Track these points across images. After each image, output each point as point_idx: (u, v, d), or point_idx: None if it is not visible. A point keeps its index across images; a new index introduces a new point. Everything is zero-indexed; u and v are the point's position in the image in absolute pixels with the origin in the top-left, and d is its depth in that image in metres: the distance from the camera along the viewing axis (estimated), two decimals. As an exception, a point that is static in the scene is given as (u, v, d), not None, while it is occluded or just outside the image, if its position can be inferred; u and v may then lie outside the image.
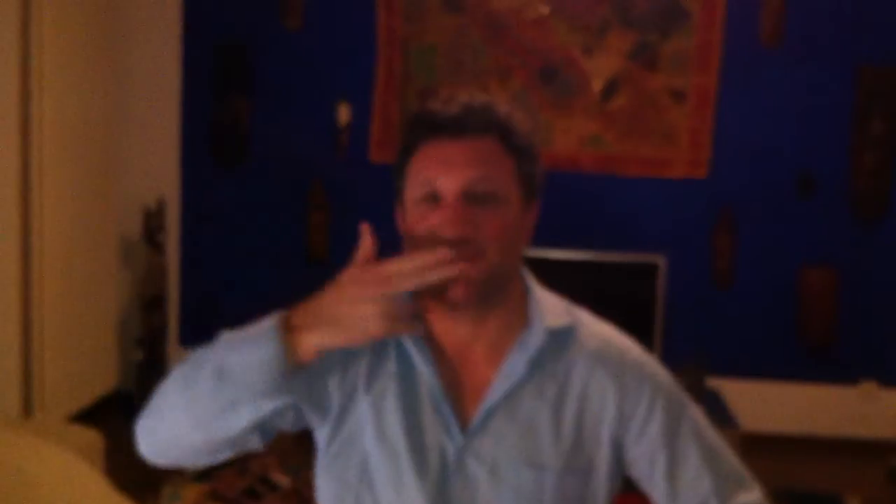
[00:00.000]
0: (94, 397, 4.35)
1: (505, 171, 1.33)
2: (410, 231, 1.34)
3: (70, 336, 4.11)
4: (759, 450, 4.10)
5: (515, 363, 1.36)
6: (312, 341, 1.21)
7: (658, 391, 1.38)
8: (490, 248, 1.30)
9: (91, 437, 2.74)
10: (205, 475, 3.78)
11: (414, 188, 1.34)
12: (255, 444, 1.32)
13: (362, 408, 1.37)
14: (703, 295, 4.45)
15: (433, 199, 1.31)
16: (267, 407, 1.22)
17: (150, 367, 4.46)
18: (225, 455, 1.32)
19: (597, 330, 1.42)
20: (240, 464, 3.83)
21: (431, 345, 1.39)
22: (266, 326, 1.24)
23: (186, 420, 1.25)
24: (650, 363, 1.41)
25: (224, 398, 1.22)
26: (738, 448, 3.81)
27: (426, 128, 1.34)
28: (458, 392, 1.37)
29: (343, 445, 1.39)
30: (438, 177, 1.31)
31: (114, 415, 4.26)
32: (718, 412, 3.98)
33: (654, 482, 1.38)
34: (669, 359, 4.41)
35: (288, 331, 1.22)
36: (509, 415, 1.35)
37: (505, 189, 1.32)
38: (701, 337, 4.43)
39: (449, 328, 1.38)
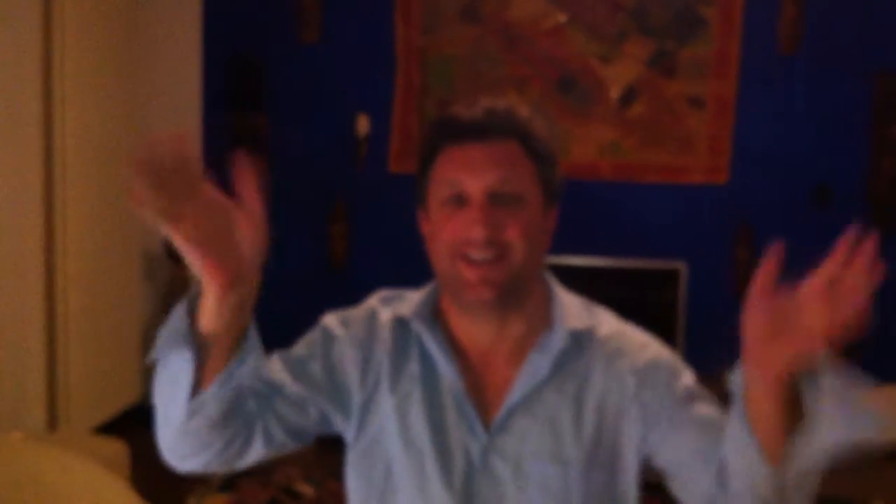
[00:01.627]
0: (119, 409, 4.37)
1: (527, 174, 1.36)
2: (435, 233, 1.37)
3: (94, 349, 4.14)
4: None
5: (538, 363, 1.38)
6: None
7: (675, 377, 1.40)
8: (514, 249, 1.33)
9: (116, 449, 2.76)
10: (228, 486, 3.79)
11: (438, 190, 1.37)
12: (273, 445, 1.35)
13: (387, 409, 1.40)
14: (725, 301, 4.43)
15: (458, 200, 1.34)
16: (187, 367, 1.22)
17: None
18: (238, 454, 1.33)
19: (615, 327, 1.44)
20: (263, 475, 3.85)
21: (454, 346, 1.41)
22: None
23: (168, 415, 1.28)
24: (667, 355, 1.44)
25: (169, 373, 1.25)
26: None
27: (449, 131, 1.37)
28: (480, 392, 1.40)
29: (369, 445, 1.41)
30: (463, 179, 1.34)
31: (138, 427, 4.28)
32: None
33: (683, 459, 1.35)
34: (691, 365, 4.39)
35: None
36: (531, 412, 1.37)
37: (527, 191, 1.36)
38: (724, 343, 4.41)
39: (472, 329, 1.41)
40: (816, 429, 1.16)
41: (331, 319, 1.47)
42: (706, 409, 1.38)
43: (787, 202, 4.38)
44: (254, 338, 1.28)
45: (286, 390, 1.38)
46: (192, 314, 1.23)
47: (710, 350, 4.37)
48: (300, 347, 1.46)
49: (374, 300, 1.50)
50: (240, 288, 1.19)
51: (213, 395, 1.25)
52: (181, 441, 1.29)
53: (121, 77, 4.37)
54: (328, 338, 1.44)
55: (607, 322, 1.44)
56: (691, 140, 4.38)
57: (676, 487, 1.36)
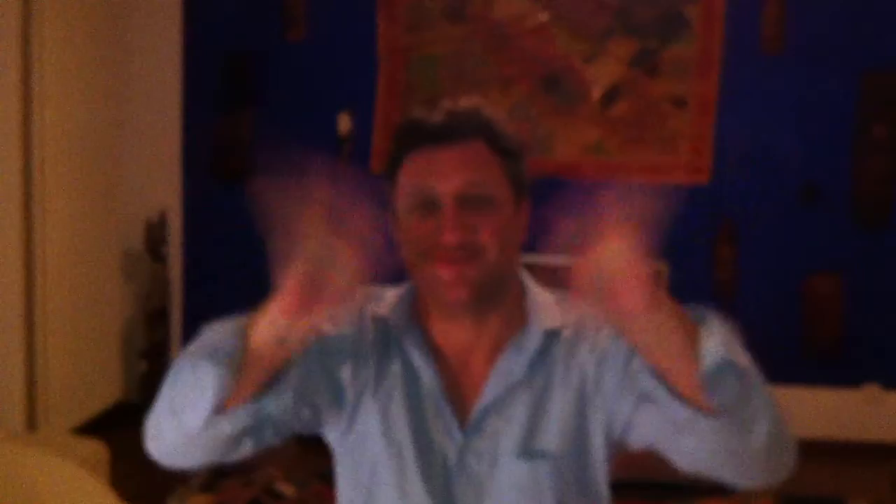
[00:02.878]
0: (99, 409, 4.35)
1: (495, 173, 1.35)
2: (408, 239, 1.36)
3: (74, 348, 4.11)
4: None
5: (511, 364, 1.37)
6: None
7: (632, 353, 1.32)
8: (488, 250, 1.32)
9: (96, 449, 2.74)
10: (210, 486, 3.77)
11: (406, 197, 1.36)
12: (262, 442, 1.31)
13: (371, 409, 1.39)
14: (707, 302, 4.44)
15: (427, 206, 1.33)
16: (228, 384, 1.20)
17: (154, 379, 4.46)
18: (232, 449, 1.30)
19: (580, 310, 1.37)
20: (245, 475, 3.83)
21: (432, 345, 1.41)
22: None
23: (180, 418, 1.25)
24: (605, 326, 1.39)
25: (196, 379, 1.22)
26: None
27: (413, 137, 1.36)
28: (457, 392, 1.39)
29: (355, 443, 1.41)
30: (431, 184, 1.33)
31: (118, 426, 4.26)
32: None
33: (657, 432, 1.29)
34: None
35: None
36: (504, 413, 1.37)
37: (497, 190, 1.35)
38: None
39: (450, 329, 1.40)
40: (706, 332, 1.25)
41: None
42: None
43: (770, 201, 4.39)
44: (294, 374, 1.27)
45: (283, 393, 1.36)
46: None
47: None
48: None
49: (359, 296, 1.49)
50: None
51: (236, 416, 1.23)
52: (181, 443, 1.27)
53: (101, 75, 4.35)
54: (321, 336, 1.43)
55: (574, 307, 1.39)
56: (674, 139, 4.39)
57: (674, 458, 1.30)
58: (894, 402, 4.40)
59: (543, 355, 1.38)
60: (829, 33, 4.31)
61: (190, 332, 4.55)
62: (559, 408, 1.36)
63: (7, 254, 3.72)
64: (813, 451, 4.55)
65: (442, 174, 1.32)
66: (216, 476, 3.92)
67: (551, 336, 1.39)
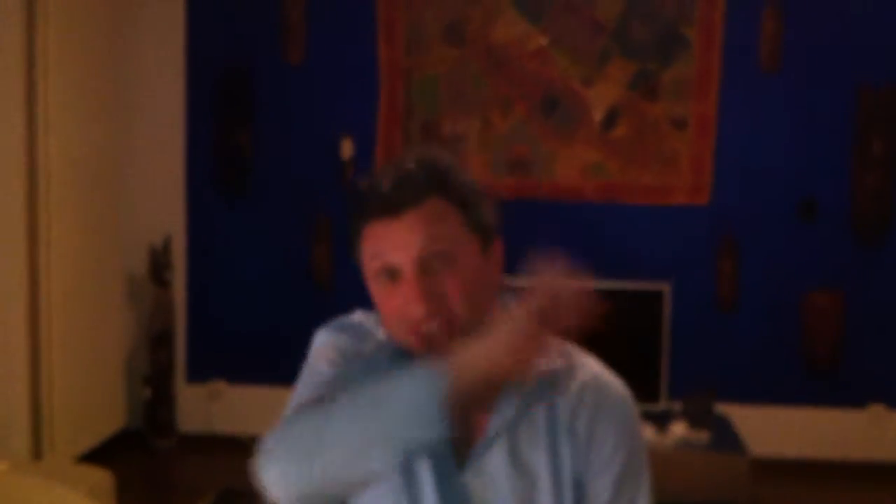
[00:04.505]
0: (104, 436, 4.34)
1: (453, 226, 1.33)
2: (380, 309, 1.37)
3: (78, 375, 4.11)
4: (769, 475, 4.10)
5: (503, 407, 1.35)
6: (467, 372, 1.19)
7: (625, 439, 1.37)
8: (458, 311, 1.31)
9: (102, 477, 2.74)
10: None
11: (370, 266, 1.35)
12: None
13: None
14: (709, 321, 4.45)
15: (390, 274, 1.32)
16: (416, 439, 1.20)
17: (159, 405, 4.47)
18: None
19: (586, 370, 1.41)
20: (246, 499, 3.81)
21: None
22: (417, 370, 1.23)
23: (326, 461, 1.24)
24: (629, 411, 1.40)
25: (375, 430, 1.21)
26: (749, 475, 3.81)
27: (366, 210, 1.34)
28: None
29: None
30: (390, 255, 1.31)
31: (123, 453, 4.26)
32: (727, 438, 3.97)
33: None
34: (676, 385, 4.42)
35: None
36: (506, 458, 1.35)
37: (458, 244, 1.33)
38: (707, 363, 4.43)
39: None
40: None
41: (320, 361, 1.44)
42: (638, 489, 1.37)
43: (770, 218, 4.40)
44: None
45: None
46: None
47: (695, 370, 4.41)
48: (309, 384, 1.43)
49: (358, 317, 1.48)
50: None
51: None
52: (297, 480, 1.26)
53: (104, 101, 4.36)
54: (329, 361, 1.43)
55: (583, 366, 1.41)
56: (674, 160, 4.41)
57: None
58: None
59: (542, 398, 1.36)
60: (825, 51, 4.33)
61: (194, 357, 4.59)
62: (564, 460, 1.35)
63: (11, 279, 3.72)
64: (819, 472, 4.55)
65: (399, 244, 1.31)
66: (225, 496, 3.92)
67: (550, 379, 1.36)
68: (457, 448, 1.36)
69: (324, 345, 1.45)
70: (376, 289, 1.36)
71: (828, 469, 4.35)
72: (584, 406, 1.36)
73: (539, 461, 1.35)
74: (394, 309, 1.33)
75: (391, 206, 1.31)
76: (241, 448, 4.35)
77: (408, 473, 1.36)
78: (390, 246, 1.31)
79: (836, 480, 4.26)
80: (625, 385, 1.42)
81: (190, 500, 3.93)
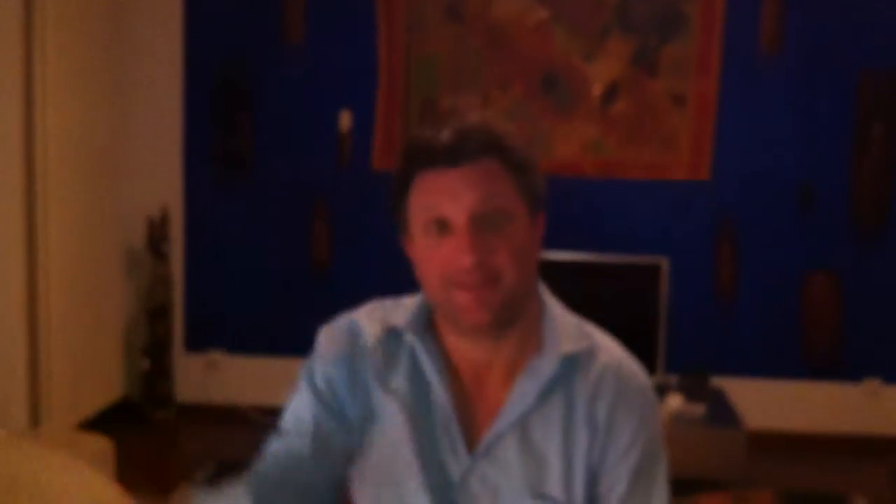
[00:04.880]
0: (102, 406, 4.36)
1: (507, 190, 1.31)
2: (423, 261, 1.34)
3: (76, 346, 4.13)
4: (764, 448, 4.12)
5: (526, 390, 1.34)
6: None
7: (644, 429, 1.34)
8: (505, 272, 1.29)
9: (101, 445, 2.75)
10: (215, 482, 3.77)
11: (419, 218, 1.33)
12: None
13: (374, 423, 1.38)
14: (706, 298, 4.46)
15: (441, 227, 1.30)
16: None
17: (157, 375, 4.49)
18: None
19: (608, 354, 1.39)
20: (244, 470, 3.83)
21: (446, 362, 1.38)
22: None
23: None
24: (650, 399, 1.38)
25: None
26: (744, 448, 3.83)
27: (423, 158, 1.32)
28: (469, 413, 1.37)
29: (362, 459, 1.39)
30: (444, 206, 1.29)
31: (121, 424, 4.28)
32: (723, 412, 4.00)
33: None
34: (673, 360, 4.44)
35: None
36: (518, 443, 1.34)
37: (510, 208, 1.31)
38: (704, 338, 4.44)
39: (466, 348, 1.38)
40: None
41: (311, 360, 1.45)
42: (656, 479, 1.36)
43: (769, 199, 4.40)
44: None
45: (311, 466, 1.38)
46: None
47: (692, 345, 4.43)
48: (295, 409, 1.43)
49: (361, 313, 1.46)
50: None
51: None
52: None
53: (102, 74, 4.36)
54: (311, 381, 1.42)
55: (600, 346, 1.39)
56: (673, 137, 4.41)
57: None
58: (894, 397, 4.42)
59: (562, 384, 1.35)
60: (827, 33, 4.32)
61: (191, 329, 4.62)
62: (578, 448, 1.33)
63: (9, 252, 3.73)
64: (813, 446, 4.58)
65: (454, 195, 1.29)
66: (221, 472, 3.93)
67: (570, 363, 1.35)
68: (468, 430, 1.36)
69: (310, 363, 1.44)
70: (422, 243, 1.33)
71: (823, 443, 4.37)
72: (604, 393, 1.34)
73: (551, 446, 1.33)
74: (439, 261, 1.30)
75: (450, 156, 1.30)
76: (239, 418, 4.40)
77: (419, 448, 1.35)
78: (445, 197, 1.29)
79: (832, 454, 4.29)
80: (644, 371, 1.40)
81: (188, 471, 3.95)
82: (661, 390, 3.99)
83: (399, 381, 1.38)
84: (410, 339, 1.38)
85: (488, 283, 1.28)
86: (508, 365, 1.37)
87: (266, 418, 4.21)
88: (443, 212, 1.29)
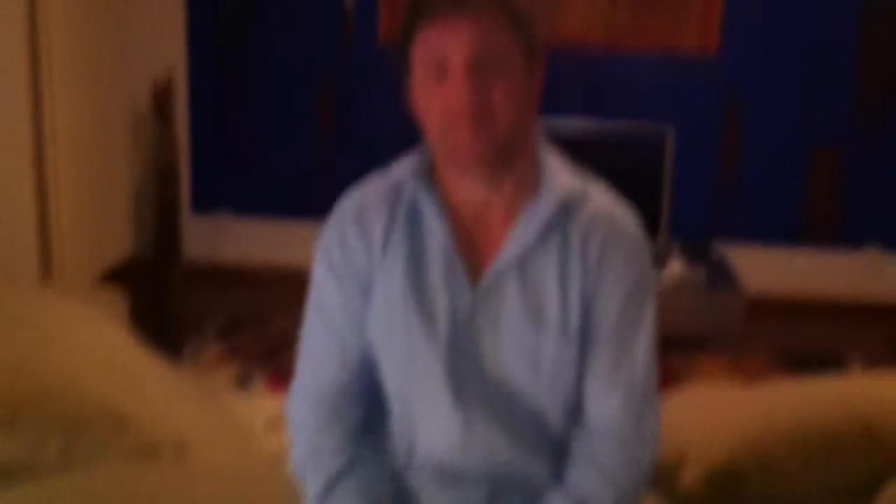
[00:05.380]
0: (110, 265, 4.42)
1: (507, 39, 1.37)
2: (423, 105, 1.40)
3: (85, 208, 4.15)
4: (765, 314, 4.20)
5: (526, 228, 1.42)
6: None
7: (633, 266, 1.43)
8: (501, 115, 1.36)
9: (113, 297, 2.81)
10: (224, 336, 3.87)
11: (420, 65, 1.39)
12: None
13: (380, 276, 1.45)
14: (711, 168, 4.47)
15: (441, 73, 1.36)
16: None
17: (165, 236, 4.53)
18: None
19: (601, 197, 1.47)
20: (258, 326, 3.92)
21: (446, 205, 1.45)
22: None
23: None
24: (639, 241, 1.46)
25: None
26: (743, 312, 3.90)
27: (426, 5, 1.37)
28: (470, 254, 1.45)
29: (371, 312, 1.47)
30: (444, 50, 1.36)
31: (131, 283, 4.34)
32: (724, 276, 4.06)
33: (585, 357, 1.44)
34: (676, 226, 4.47)
35: None
36: (518, 277, 1.42)
37: (509, 56, 1.37)
38: (708, 207, 4.47)
39: (465, 189, 1.45)
40: None
41: (321, 245, 1.51)
42: (641, 320, 1.44)
43: (776, 73, 4.37)
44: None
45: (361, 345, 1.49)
46: None
47: (695, 214, 4.45)
48: (321, 296, 1.51)
49: (364, 185, 1.53)
50: None
51: None
52: None
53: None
54: (330, 263, 1.48)
55: (594, 191, 1.47)
56: (683, 8, 4.34)
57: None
58: (893, 265, 4.46)
59: (559, 225, 1.42)
60: None
61: (198, 191, 4.63)
62: (577, 286, 1.41)
63: (16, 116, 3.72)
64: (811, 312, 4.64)
65: (455, 40, 1.35)
66: (231, 326, 4.03)
67: (566, 205, 1.43)
68: (470, 270, 1.43)
69: (322, 248, 1.50)
70: (424, 89, 1.39)
71: (821, 309, 4.44)
72: (596, 233, 1.42)
73: (548, 282, 1.42)
74: (439, 104, 1.37)
75: (452, 3, 1.35)
76: (246, 279, 4.47)
77: (421, 289, 1.43)
78: (447, 42, 1.35)
79: (829, 320, 4.36)
80: (635, 217, 1.48)
81: (197, 328, 4.04)
82: (663, 256, 4.04)
83: (401, 230, 1.45)
84: (412, 187, 1.46)
85: (485, 121, 1.35)
86: (507, 207, 1.44)
87: (274, 277, 4.28)
88: (442, 55, 1.36)
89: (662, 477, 1.69)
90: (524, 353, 1.41)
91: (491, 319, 1.42)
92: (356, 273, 1.46)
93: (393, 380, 1.48)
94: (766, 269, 4.43)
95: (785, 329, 4.20)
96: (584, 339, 1.42)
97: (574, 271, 1.41)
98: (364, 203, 1.48)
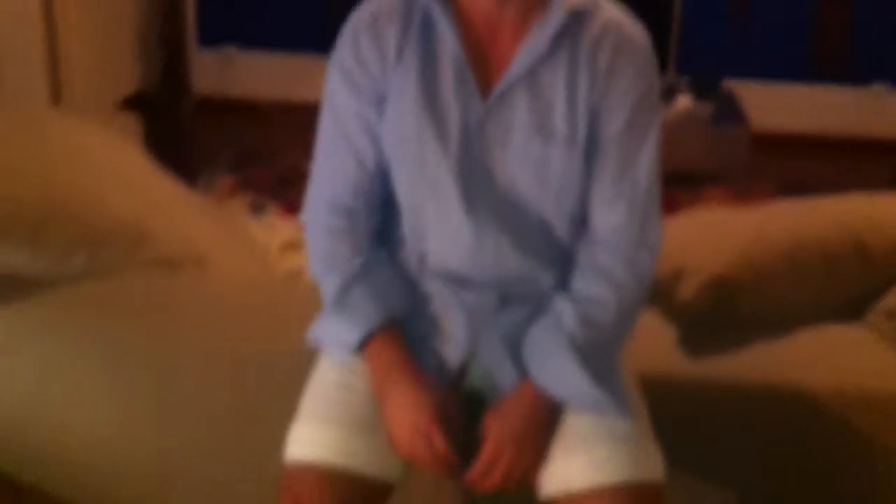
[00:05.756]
0: (119, 97, 4.41)
1: None
2: None
3: (92, 41, 4.11)
4: (771, 149, 4.21)
5: (536, 41, 1.42)
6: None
7: (641, 78, 1.45)
8: None
9: (129, 122, 2.82)
10: (237, 167, 3.90)
11: None
12: None
13: (393, 83, 1.47)
14: (720, 6, 4.41)
15: None
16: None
17: (173, 70, 4.51)
18: None
19: (612, 10, 1.47)
20: (271, 157, 3.95)
21: (459, 16, 1.46)
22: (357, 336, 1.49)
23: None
24: (648, 54, 1.47)
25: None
26: (749, 147, 3.93)
27: None
28: (482, 65, 1.46)
29: (384, 121, 1.49)
30: None
31: (139, 116, 4.34)
32: (731, 112, 4.06)
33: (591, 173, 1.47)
34: (685, 64, 4.44)
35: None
36: (527, 88, 1.44)
37: None
38: (717, 43, 4.44)
39: (477, 1, 1.45)
40: None
41: (335, 54, 1.52)
42: (648, 129, 1.47)
43: None
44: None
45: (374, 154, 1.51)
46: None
47: (704, 50, 4.41)
48: (334, 109, 1.52)
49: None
50: None
51: None
52: None
53: None
54: (344, 71, 1.49)
55: (609, 7, 1.47)
56: None
57: None
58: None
59: (569, 33, 1.43)
60: None
61: (205, 24, 4.57)
62: (585, 95, 1.43)
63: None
64: (818, 147, 4.64)
65: None
66: (243, 157, 4.06)
67: (575, 16, 1.43)
68: (481, 81, 1.45)
69: (336, 56, 1.51)
70: None
71: (828, 145, 4.45)
72: (606, 43, 1.43)
73: (557, 91, 1.43)
74: None
75: None
76: (254, 112, 4.48)
77: (434, 100, 1.45)
78: None
79: (836, 156, 4.37)
80: (643, 30, 1.49)
81: (207, 161, 4.06)
82: (671, 91, 4.04)
83: (414, 41, 1.46)
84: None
85: None
86: (518, 19, 1.45)
87: (284, 112, 4.29)
88: None
89: (661, 291, 1.75)
90: (532, 163, 1.44)
91: (501, 130, 1.44)
92: (370, 82, 1.47)
93: (405, 190, 1.51)
94: (775, 105, 4.42)
95: (791, 165, 4.21)
96: (591, 151, 1.45)
97: (583, 81, 1.43)
98: (378, 13, 1.48)
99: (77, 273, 1.87)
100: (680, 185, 3.66)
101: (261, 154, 4.08)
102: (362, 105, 1.48)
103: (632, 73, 1.44)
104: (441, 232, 1.51)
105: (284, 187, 3.70)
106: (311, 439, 1.45)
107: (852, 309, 1.84)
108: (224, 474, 1.83)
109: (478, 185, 1.46)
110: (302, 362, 1.57)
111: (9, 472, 1.89)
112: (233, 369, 1.78)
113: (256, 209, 3.23)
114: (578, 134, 1.44)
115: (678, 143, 3.78)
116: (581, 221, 1.51)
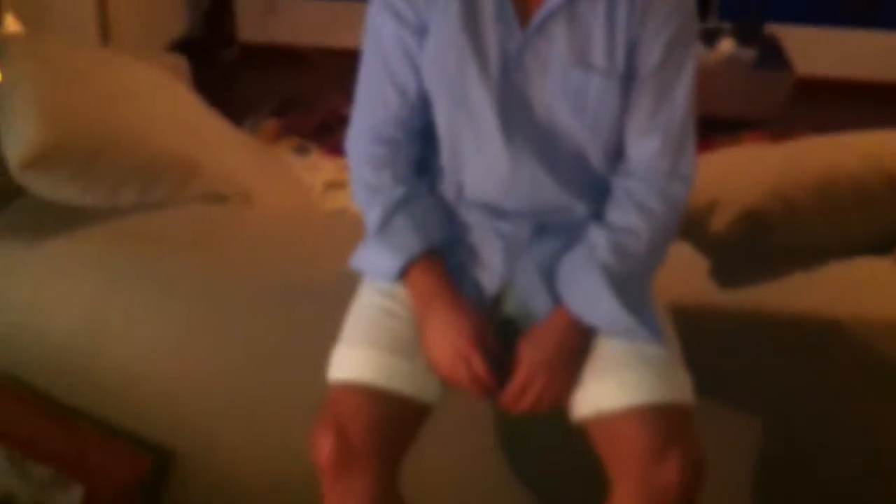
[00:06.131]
0: (165, 44, 4.47)
1: None
2: None
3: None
4: (813, 96, 4.18)
5: None
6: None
7: (679, 11, 1.46)
8: None
9: (177, 62, 2.86)
10: (280, 112, 3.93)
11: None
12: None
13: (434, 14, 1.49)
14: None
15: None
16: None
17: (218, 15, 4.55)
18: None
19: None
20: (310, 104, 3.98)
21: None
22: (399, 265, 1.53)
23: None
24: (689, 8, 1.49)
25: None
26: (790, 91, 3.90)
27: None
28: None
29: (425, 52, 1.52)
30: None
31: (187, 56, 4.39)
32: (773, 57, 4.04)
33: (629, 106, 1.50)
34: (728, 9, 4.40)
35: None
36: (566, 19, 1.45)
37: None
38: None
39: None
40: None
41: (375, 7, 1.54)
42: (684, 61, 1.48)
43: None
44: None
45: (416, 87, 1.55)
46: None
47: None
48: (377, 31, 1.54)
49: None
50: None
51: None
52: None
53: None
54: (386, 2, 1.52)
55: None
56: None
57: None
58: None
59: None
60: None
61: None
62: (619, 24, 1.44)
63: None
64: (861, 93, 4.60)
65: None
66: (286, 103, 4.09)
67: None
68: (521, 9, 1.46)
69: None
70: None
71: (872, 91, 4.40)
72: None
73: (595, 23, 1.45)
74: None
75: None
76: (300, 58, 4.51)
77: (474, 31, 1.47)
78: None
79: (879, 102, 4.32)
80: None
81: (251, 106, 4.10)
82: (714, 35, 4.02)
83: None
84: None
85: None
86: None
87: (324, 58, 4.31)
88: None
89: (694, 222, 1.77)
90: (571, 94, 1.47)
91: (539, 61, 1.46)
92: (412, 12, 1.50)
93: (444, 120, 1.54)
94: (818, 50, 4.38)
95: (833, 112, 4.18)
96: (628, 83, 1.47)
97: (621, 15, 1.45)
98: None
99: (128, 206, 1.92)
100: (720, 129, 3.66)
101: (303, 100, 4.11)
102: (404, 35, 1.51)
103: (669, 6, 1.45)
104: (478, 163, 1.54)
105: (326, 132, 3.73)
106: (353, 361, 1.50)
107: (884, 242, 1.84)
108: (271, 397, 1.89)
109: (516, 115, 1.49)
110: (345, 288, 1.61)
111: (61, 398, 1.95)
112: (279, 296, 1.82)
113: (301, 151, 3.27)
114: (616, 66, 1.46)
115: (720, 88, 3.77)
116: (616, 153, 1.54)
